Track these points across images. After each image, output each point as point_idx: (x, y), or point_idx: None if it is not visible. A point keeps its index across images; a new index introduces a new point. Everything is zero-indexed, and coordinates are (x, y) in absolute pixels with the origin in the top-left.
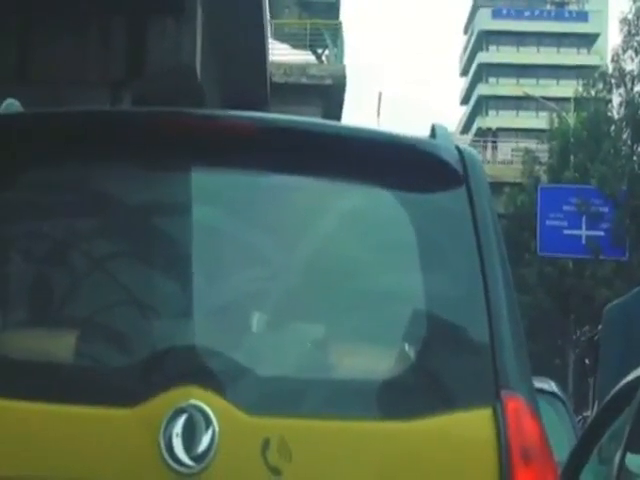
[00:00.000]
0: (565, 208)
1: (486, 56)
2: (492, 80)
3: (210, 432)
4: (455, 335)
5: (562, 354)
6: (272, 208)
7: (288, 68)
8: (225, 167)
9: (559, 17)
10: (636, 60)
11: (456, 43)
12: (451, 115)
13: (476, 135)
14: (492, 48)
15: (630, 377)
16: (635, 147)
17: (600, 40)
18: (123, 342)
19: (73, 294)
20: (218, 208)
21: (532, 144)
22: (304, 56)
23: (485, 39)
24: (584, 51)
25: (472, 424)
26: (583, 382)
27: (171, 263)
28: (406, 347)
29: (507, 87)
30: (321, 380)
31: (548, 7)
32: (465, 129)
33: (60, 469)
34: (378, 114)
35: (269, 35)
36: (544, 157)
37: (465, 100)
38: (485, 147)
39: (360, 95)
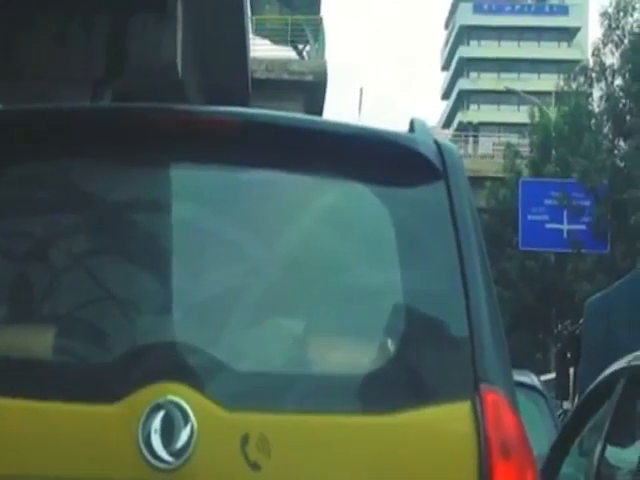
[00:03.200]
0: (546, 202)
1: (467, 51)
2: (473, 75)
3: (188, 428)
4: (434, 329)
5: (544, 348)
6: (251, 203)
7: (269, 64)
8: (206, 163)
9: (539, 11)
10: (616, 54)
11: (437, 38)
12: (432, 110)
13: (457, 129)
14: (473, 43)
15: (610, 370)
16: (616, 141)
17: (580, 34)
18: (102, 338)
19: (53, 290)
20: (198, 204)
21: (513, 138)
22: (285, 52)
23: (466, 34)
24: (565, 45)
25: (451, 417)
26: (564, 376)
27: (152, 259)
28: (385, 341)
29: (488, 81)
30: (300, 375)
31: (529, 1)
32: (446, 124)
33: (39, 466)
34: (359, 110)
35: (250, 31)
36: (525, 151)
37: (446, 95)
38: (466, 141)
39: (341, 91)
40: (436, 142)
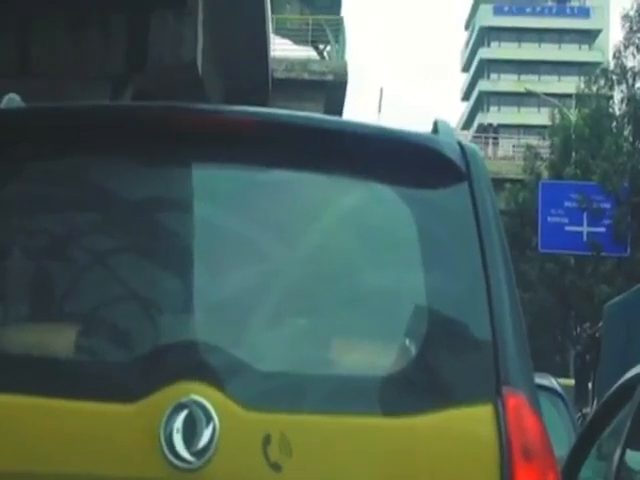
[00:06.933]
0: (566, 204)
1: (487, 52)
2: (493, 76)
3: (211, 428)
4: (456, 331)
5: (562, 350)
6: (272, 204)
7: (289, 64)
8: (226, 162)
9: (560, 13)
10: (638, 57)
11: (457, 39)
12: (452, 111)
13: (477, 131)
14: (493, 44)
15: (630, 374)
16: (637, 144)
17: (602, 36)
18: (124, 337)
19: (74, 289)
20: (218, 203)
21: (533, 140)
22: (306, 52)
23: (486, 35)
24: (585, 47)
25: (473, 420)
26: (583, 379)
27: (171, 258)
28: (407, 343)
29: (508, 83)
30: (322, 376)
31: (549, 3)
32: (466, 125)
33: (60, 464)
34: (379, 110)
35: (271, 30)
36: (545, 153)
37: (466, 96)
38: (486, 143)
39: (361, 91)
40: (460, 144)
